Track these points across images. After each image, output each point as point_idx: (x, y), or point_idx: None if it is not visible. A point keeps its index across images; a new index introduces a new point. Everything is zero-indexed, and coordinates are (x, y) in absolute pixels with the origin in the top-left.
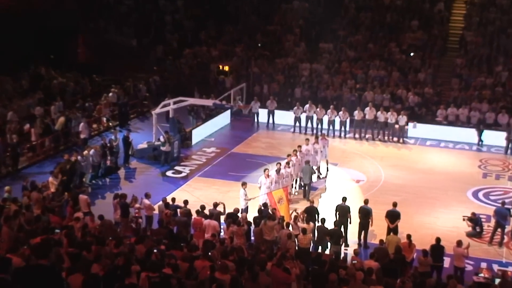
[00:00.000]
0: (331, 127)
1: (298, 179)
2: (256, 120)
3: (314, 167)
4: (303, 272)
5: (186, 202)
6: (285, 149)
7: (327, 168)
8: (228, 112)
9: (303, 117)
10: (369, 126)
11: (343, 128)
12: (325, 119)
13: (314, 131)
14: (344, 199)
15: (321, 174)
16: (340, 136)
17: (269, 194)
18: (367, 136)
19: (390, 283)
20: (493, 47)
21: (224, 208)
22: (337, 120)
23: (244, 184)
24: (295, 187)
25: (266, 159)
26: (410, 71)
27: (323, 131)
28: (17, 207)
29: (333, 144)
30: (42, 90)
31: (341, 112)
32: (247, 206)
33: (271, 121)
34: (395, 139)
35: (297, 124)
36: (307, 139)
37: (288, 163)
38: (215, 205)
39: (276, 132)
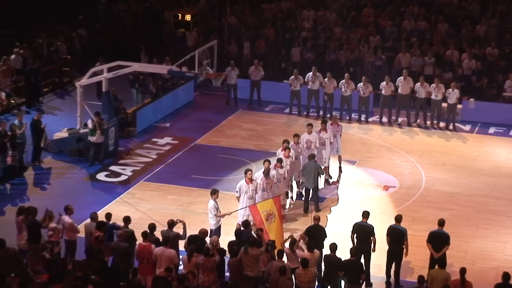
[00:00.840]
0: (345, 106)
1: (296, 184)
2: (233, 95)
3: (322, 166)
4: None
5: (127, 219)
6: (276, 139)
7: (340, 168)
8: (191, 83)
9: (303, 91)
10: (403, 105)
11: (363, 108)
12: (337, 94)
13: (321, 113)
14: (366, 214)
15: (331, 177)
16: (359, 120)
17: (252, 208)
18: (399, 120)
19: None
20: None
21: (185, 229)
22: (355, 96)
23: (214, 192)
24: (292, 197)
25: (248, 155)
26: (464, 22)
27: (334, 113)
28: None
29: (349, 131)
30: None
31: (360, 84)
32: (219, 226)
33: (255, 97)
34: (442, 124)
35: (295, 101)
36: (310, 125)
37: (280, 160)
38: (171, 224)
39: (263, 114)
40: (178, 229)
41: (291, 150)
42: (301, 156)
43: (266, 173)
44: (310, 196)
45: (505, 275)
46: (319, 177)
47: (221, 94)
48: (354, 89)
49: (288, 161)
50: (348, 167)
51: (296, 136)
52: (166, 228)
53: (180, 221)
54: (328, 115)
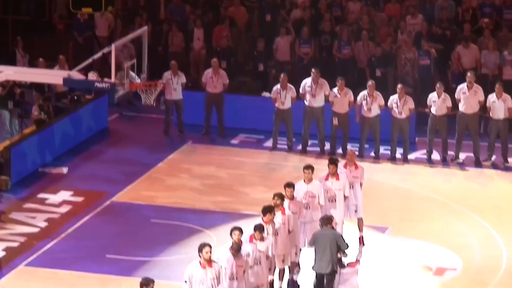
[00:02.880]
0: (370, 135)
1: (288, 269)
2: (176, 120)
3: (343, 237)
4: None
5: None
6: (252, 192)
7: (361, 239)
8: (104, 100)
9: (296, 110)
10: (467, 131)
11: (400, 138)
12: (355, 115)
13: (327, 146)
14: None
15: (345, 254)
16: (393, 158)
17: None
18: (461, 156)
19: None
20: None
21: None
22: (386, 118)
23: (147, 284)
24: (280, 286)
25: (203, 220)
26: None
27: (349, 146)
28: None
29: (376, 177)
30: None
31: (394, 98)
32: None
33: (214, 121)
34: None
35: (282, 128)
36: (309, 167)
37: (260, 228)
38: None
39: (228, 150)
40: None
41: (287, 211)
42: (298, 221)
43: (236, 249)
44: None
45: None
46: (340, 255)
47: (156, 117)
48: (383, 107)
49: (270, 229)
50: (375, 237)
51: (289, 186)
52: None
53: None
54: (340, 151)
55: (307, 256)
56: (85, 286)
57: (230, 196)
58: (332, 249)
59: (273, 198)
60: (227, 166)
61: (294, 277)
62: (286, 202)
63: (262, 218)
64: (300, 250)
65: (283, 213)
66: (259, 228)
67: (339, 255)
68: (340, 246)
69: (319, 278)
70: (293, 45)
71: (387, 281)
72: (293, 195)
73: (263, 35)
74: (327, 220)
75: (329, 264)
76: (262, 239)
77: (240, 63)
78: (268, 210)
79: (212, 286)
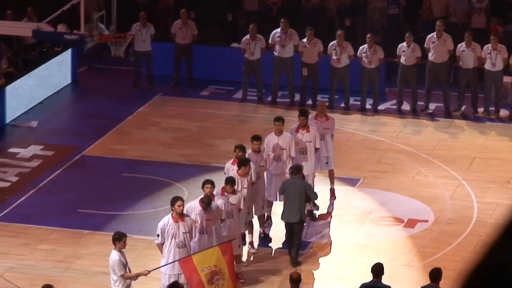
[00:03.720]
0: (340, 86)
1: (259, 220)
2: (145, 71)
3: (311, 186)
4: None
5: None
6: (221, 144)
7: (332, 191)
8: (73, 53)
9: (266, 61)
10: (436, 81)
11: (370, 88)
12: (325, 65)
13: (297, 98)
14: (378, 271)
15: (316, 206)
16: (363, 109)
17: (185, 263)
18: (431, 106)
19: None
20: None
21: None
22: (356, 68)
23: (119, 238)
24: (252, 242)
25: (173, 172)
26: None
27: (319, 97)
28: None
29: (347, 128)
30: None
31: (364, 47)
32: None
33: (183, 73)
34: (505, 113)
35: (252, 79)
36: (279, 119)
37: (232, 181)
38: None
39: (197, 102)
40: None
41: (251, 164)
42: (265, 173)
43: (207, 203)
44: (295, 237)
45: None
46: (309, 205)
47: (125, 69)
48: (353, 57)
49: (245, 182)
50: (346, 190)
51: (257, 139)
52: None
53: None
54: (310, 102)
55: (278, 210)
56: (56, 241)
57: (200, 148)
58: (300, 198)
59: (234, 150)
60: (197, 118)
61: (266, 230)
62: (251, 156)
63: (237, 171)
64: (272, 203)
65: (243, 172)
66: (230, 181)
67: (308, 207)
68: (309, 195)
69: (289, 227)
70: None
71: (358, 233)
72: (260, 148)
73: None
74: (296, 170)
75: (297, 214)
76: (234, 192)
77: (209, 13)
78: (243, 163)
79: (185, 240)
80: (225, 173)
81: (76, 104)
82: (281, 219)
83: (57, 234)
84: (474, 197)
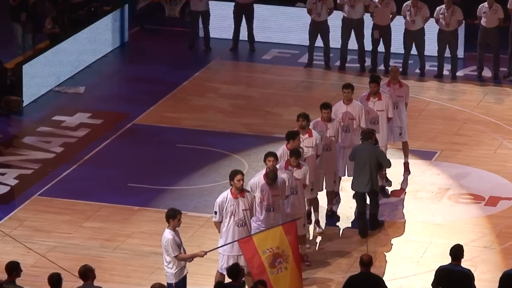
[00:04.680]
0: (414, 50)
1: (328, 196)
2: (202, 33)
3: (384, 153)
4: None
5: (13, 268)
6: (285, 113)
7: (407, 165)
8: (123, 12)
9: (334, 22)
10: None
11: (448, 52)
12: (398, 27)
13: (368, 63)
14: (457, 253)
15: (389, 181)
16: (440, 75)
17: (245, 244)
18: None
19: None
20: None
21: None
22: (432, 31)
23: (173, 215)
24: (317, 221)
25: (232, 144)
26: None
27: (393, 62)
28: None
29: (422, 96)
30: None
31: (441, 8)
32: (185, 276)
33: (244, 35)
34: None
35: (319, 41)
36: (348, 86)
37: (297, 153)
38: (84, 273)
39: (259, 67)
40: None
41: (315, 133)
42: (336, 145)
43: (272, 178)
44: (368, 211)
45: None
46: (382, 173)
47: (180, 30)
48: (428, 18)
49: (310, 153)
50: (421, 163)
51: (326, 107)
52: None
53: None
54: (382, 67)
55: (347, 186)
56: (104, 218)
57: (262, 117)
58: (372, 166)
59: (298, 119)
60: (258, 84)
61: (334, 207)
62: (320, 125)
63: (286, 145)
64: (340, 178)
65: (310, 135)
66: (295, 154)
67: (380, 182)
68: (381, 163)
69: (359, 197)
70: None
71: (434, 212)
72: (330, 117)
73: None
74: (368, 134)
75: (368, 182)
76: (299, 165)
77: None
78: (291, 136)
79: (245, 218)
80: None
81: (126, 68)
82: (351, 187)
83: (105, 211)
84: None
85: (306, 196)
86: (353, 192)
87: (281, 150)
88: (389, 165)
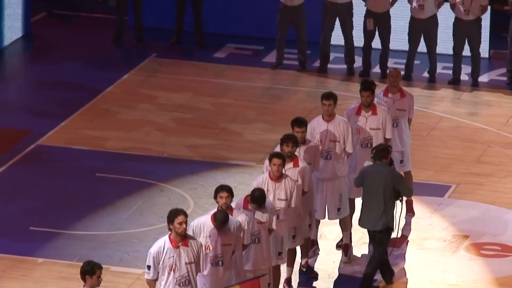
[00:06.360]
0: (423, 47)
1: (298, 248)
2: (132, 21)
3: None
4: None
5: None
6: (246, 132)
7: (410, 203)
8: None
9: (312, 7)
10: None
11: (468, 49)
12: (399, 15)
13: (358, 63)
14: None
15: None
16: (455, 81)
17: None
18: None
19: None
20: None
21: None
22: (445, 20)
23: (91, 271)
24: (289, 275)
25: (171, 173)
26: None
27: (391, 62)
28: None
29: (431, 109)
30: None
31: None
32: None
33: (188, 25)
34: None
35: (291, 34)
36: (329, 96)
37: (258, 200)
38: None
39: (209, 67)
40: None
41: (302, 163)
42: (312, 177)
43: (221, 220)
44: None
45: None
46: (399, 203)
47: (102, 18)
48: (442, 3)
49: (282, 189)
50: (430, 202)
51: (299, 124)
52: None
53: None
54: (378, 70)
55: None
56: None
57: (214, 137)
58: (386, 194)
59: (285, 143)
60: (209, 92)
61: (310, 261)
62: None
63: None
64: (319, 222)
65: (296, 164)
66: (257, 200)
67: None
68: (400, 190)
69: (371, 235)
70: None
71: (446, 268)
72: (305, 138)
73: None
74: (382, 152)
75: (381, 216)
76: (260, 207)
77: None
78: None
79: (188, 274)
80: (263, 173)
81: (29, 67)
82: (359, 224)
83: (4, 263)
84: None
85: (288, 245)
86: (336, 241)
87: (260, 179)
88: (409, 193)
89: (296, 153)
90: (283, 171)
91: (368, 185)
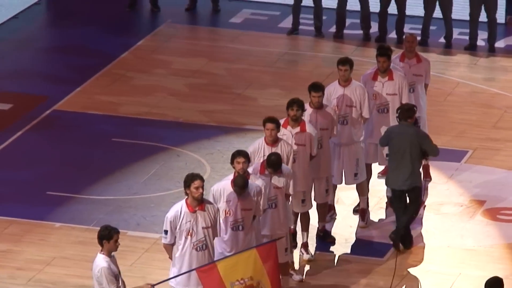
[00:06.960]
0: (438, 11)
1: (316, 208)
2: None
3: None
4: None
5: None
6: (261, 97)
7: (426, 168)
8: None
9: None
10: None
11: (485, 15)
12: None
13: (374, 28)
14: (493, 286)
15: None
16: (472, 46)
17: (205, 274)
18: None
19: None
20: None
21: None
22: None
23: (108, 236)
24: (304, 246)
25: (187, 138)
26: None
27: (408, 27)
28: None
29: (447, 75)
30: None
31: None
32: None
33: None
34: None
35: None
36: (345, 62)
37: (273, 165)
38: None
39: (225, 33)
40: None
41: (309, 127)
42: (329, 142)
43: (241, 185)
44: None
45: None
46: (425, 162)
47: None
48: None
49: (301, 153)
50: (447, 167)
51: (316, 89)
52: None
53: None
54: (394, 35)
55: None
56: (14, 239)
57: (229, 103)
58: (413, 154)
59: (290, 107)
60: (224, 57)
61: (327, 226)
62: (308, 113)
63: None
64: (335, 187)
65: (303, 129)
66: (273, 165)
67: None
68: (426, 150)
69: (397, 196)
70: None
71: (463, 233)
72: (321, 103)
73: None
74: (407, 112)
75: (409, 177)
76: (278, 171)
77: None
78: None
79: (205, 239)
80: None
81: (43, 33)
82: (385, 183)
83: (16, 228)
84: None
85: (295, 209)
86: (353, 206)
87: (257, 144)
88: (436, 152)
89: (313, 118)
90: (291, 135)
91: (394, 145)
